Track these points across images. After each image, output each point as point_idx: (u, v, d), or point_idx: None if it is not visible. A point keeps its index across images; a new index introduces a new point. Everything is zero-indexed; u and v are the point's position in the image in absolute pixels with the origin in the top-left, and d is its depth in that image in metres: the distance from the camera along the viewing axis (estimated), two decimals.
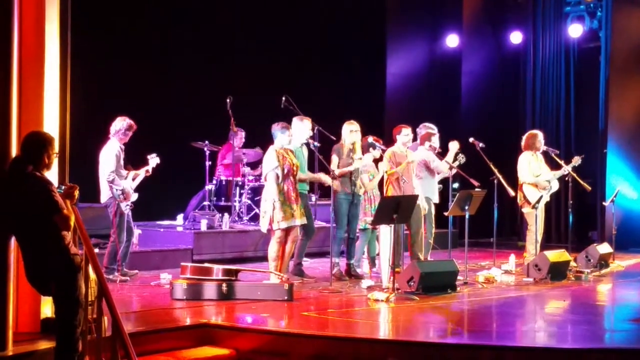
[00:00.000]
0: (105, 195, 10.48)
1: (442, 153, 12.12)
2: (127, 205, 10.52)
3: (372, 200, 11.54)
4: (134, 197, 10.67)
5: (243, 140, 14.26)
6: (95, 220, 11.83)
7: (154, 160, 10.95)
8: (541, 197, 12.24)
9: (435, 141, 12.12)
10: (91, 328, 6.54)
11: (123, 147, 10.62)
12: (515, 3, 18.32)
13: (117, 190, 10.37)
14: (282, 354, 7.80)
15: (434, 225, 12.13)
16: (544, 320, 9.33)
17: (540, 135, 12.82)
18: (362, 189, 11.38)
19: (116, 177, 10.39)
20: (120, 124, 10.53)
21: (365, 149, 11.47)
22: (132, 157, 10.99)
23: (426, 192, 11.85)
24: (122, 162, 10.56)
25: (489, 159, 12.14)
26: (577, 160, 12.60)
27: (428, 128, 12.26)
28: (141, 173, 10.81)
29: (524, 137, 12.87)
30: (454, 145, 12.18)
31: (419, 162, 11.82)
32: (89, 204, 11.45)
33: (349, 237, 11.49)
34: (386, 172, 11.22)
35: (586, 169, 16.33)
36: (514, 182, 12.60)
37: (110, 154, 10.44)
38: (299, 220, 10.47)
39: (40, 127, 7.07)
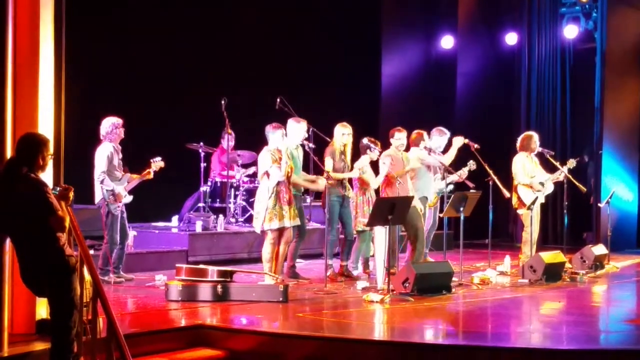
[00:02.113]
0: (98, 196, 10.49)
1: (444, 151, 12.17)
2: (117, 207, 10.50)
3: (370, 202, 11.52)
4: (127, 199, 10.65)
5: (233, 142, 14.19)
6: (90, 221, 11.81)
7: (157, 164, 10.94)
8: (536, 198, 12.23)
9: (438, 142, 12.25)
10: (86, 329, 6.55)
11: (119, 147, 10.62)
12: (510, 4, 18.32)
13: (106, 191, 10.37)
14: (277, 355, 7.81)
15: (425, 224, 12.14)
16: (539, 321, 9.34)
17: (535, 136, 12.80)
18: (350, 191, 11.39)
19: (106, 178, 10.39)
20: (106, 126, 10.55)
21: (362, 151, 11.47)
22: (128, 158, 10.98)
23: (422, 192, 11.87)
24: (115, 163, 10.55)
25: (484, 160, 12.15)
26: (572, 163, 12.59)
27: (443, 133, 12.44)
28: (139, 177, 10.79)
29: (520, 138, 12.84)
30: (458, 141, 12.21)
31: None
32: (84, 205, 11.44)
33: (346, 238, 11.50)
34: (385, 175, 11.21)
35: (581, 170, 16.38)
36: (509, 184, 12.60)
37: (102, 155, 10.45)
38: (291, 222, 10.47)
39: (35, 128, 7.07)
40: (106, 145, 10.52)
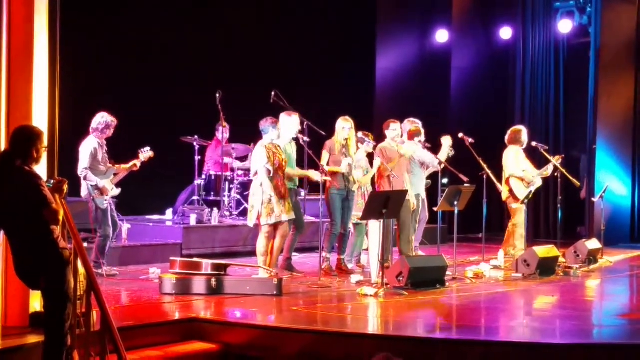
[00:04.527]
0: (84, 191, 10.45)
1: (433, 148, 12.14)
2: (105, 200, 10.48)
3: (365, 195, 11.51)
4: (115, 192, 10.62)
5: (227, 135, 14.17)
6: (84, 214, 11.78)
7: (145, 154, 10.92)
8: (530, 192, 12.26)
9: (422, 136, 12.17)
10: (80, 322, 6.54)
11: (104, 142, 10.58)
12: None
13: (91, 186, 10.35)
14: (271, 349, 7.82)
15: (417, 222, 12.16)
16: (533, 315, 9.36)
17: (524, 130, 12.85)
18: (355, 184, 11.38)
19: (89, 173, 10.36)
20: (98, 121, 10.51)
21: (357, 144, 11.47)
22: (122, 152, 10.96)
23: (417, 189, 11.88)
24: (100, 157, 10.50)
25: (478, 154, 12.16)
26: (558, 159, 12.64)
27: (413, 123, 12.27)
28: (126, 168, 10.76)
29: (509, 132, 12.87)
30: (447, 141, 12.16)
31: (410, 157, 11.82)
32: (78, 198, 11.41)
33: (342, 232, 11.49)
34: (378, 168, 11.21)
35: (575, 164, 16.39)
36: (502, 178, 12.61)
37: (85, 150, 10.43)
38: (287, 216, 10.45)
39: (29, 121, 7.06)
40: (91, 140, 10.48)
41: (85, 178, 10.37)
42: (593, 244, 12.82)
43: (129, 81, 14.04)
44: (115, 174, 10.68)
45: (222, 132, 13.74)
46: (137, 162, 10.90)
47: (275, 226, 10.40)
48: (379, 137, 11.57)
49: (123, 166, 10.78)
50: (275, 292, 9.42)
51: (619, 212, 16.37)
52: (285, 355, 7.76)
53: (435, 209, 11.75)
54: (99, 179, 10.43)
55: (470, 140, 12.35)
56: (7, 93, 7.09)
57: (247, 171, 13.82)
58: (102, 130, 10.51)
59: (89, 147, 10.45)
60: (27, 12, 7.21)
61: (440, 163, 11.90)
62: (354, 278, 10.67)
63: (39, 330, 6.77)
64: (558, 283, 11.15)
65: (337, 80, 16.89)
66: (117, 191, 10.67)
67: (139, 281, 10.39)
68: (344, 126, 11.33)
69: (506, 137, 12.81)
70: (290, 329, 8.00)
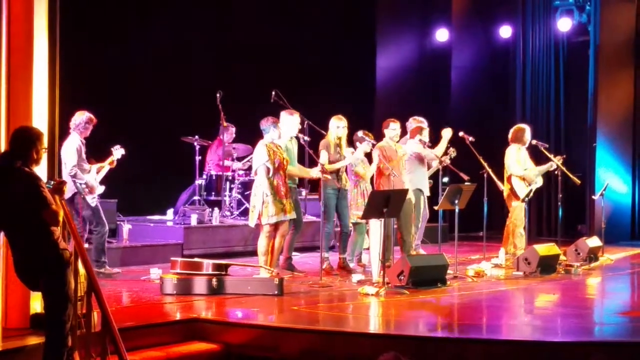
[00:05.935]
0: (69, 191, 10.21)
1: (434, 145, 12.17)
2: (94, 198, 10.47)
3: (364, 194, 11.50)
4: (100, 190, 10.60)
5: (233, 135, 14.21)
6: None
7: (118, 151, 10.88)
8: (531, 190, 12.28)
9: (425, 135, 12.15)
10: (81, 323, 6.54)
11: (84, 140, 10.54)
12: None
13: (80, 184, 10.32)
14: (272, 349, 7.83)
15: (420, 219, 12.16)
16: (534, 313, 9.36)
17: (527, 129, 12.82)
18: (347, 183, 11.40)
19: (78, 171, 10.29)
20: (80, 118, 10.45)
21: (355, 143, 11.47)
22: (125, 151, 10.95)
23: (417, 185, 11.88)
24: (84, 155, 10.47)
25: (478, 152, 12.16)
26: (559, 160, 12.65)
27: (418, 122, 12.28)
28: (105, 165, 10.76)
29: (512, 130, 12.83)
30: (447, 133, 12.20)
31: (410, 155, 11.83)
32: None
33: (343, 231, 11.50)
34: (378, 166, 11.21)
35: (575, 162, 16.38)
36: (503, 176, 12.61)
37: (71, 149, 10.33)
38: (289, 215, 10.45)
39: (29, 122, 7.06)
40: (74, 138, 10.40)
41: (75, 176, 10.28)
42: (594, 241, 12.82)
43: (130, 81, 14.03)
44: (97, 172, 10.64)
45: (222, 131, 13.74)
46: (114, 159, 10.85)
47: (276, 226, 10.40)
48: (379, 137, 11.57)
49: (101, 164, 10.75)
50: (276, 292, 9.41)
51: (620, 210, 16.37)
52: (287, 354, 7.77)
53: (436, 207, 11.76)
54: (86, 177, 10.40)
55: (471, 138, 12.35)
56: (7, 94, 7.10)
57: (247, 170, 13.83)
58: (84, 127, 10.45)
59: (74, 145, 10.36)
60: (26, 12, 7.21)
61: (441, 162, 11.89)
62: (355, 277, 10.67)
63: (39, 331, 6.78)
64: (559, 281, 11.15)
65: (337, 79, 16.87)
66: (102, 188, 10.64)
67: (140, 282, 10.38)
68: (338, 125, 11.36)
69: (509, 135, 12.79)
70: (291, 328, 8.01)
